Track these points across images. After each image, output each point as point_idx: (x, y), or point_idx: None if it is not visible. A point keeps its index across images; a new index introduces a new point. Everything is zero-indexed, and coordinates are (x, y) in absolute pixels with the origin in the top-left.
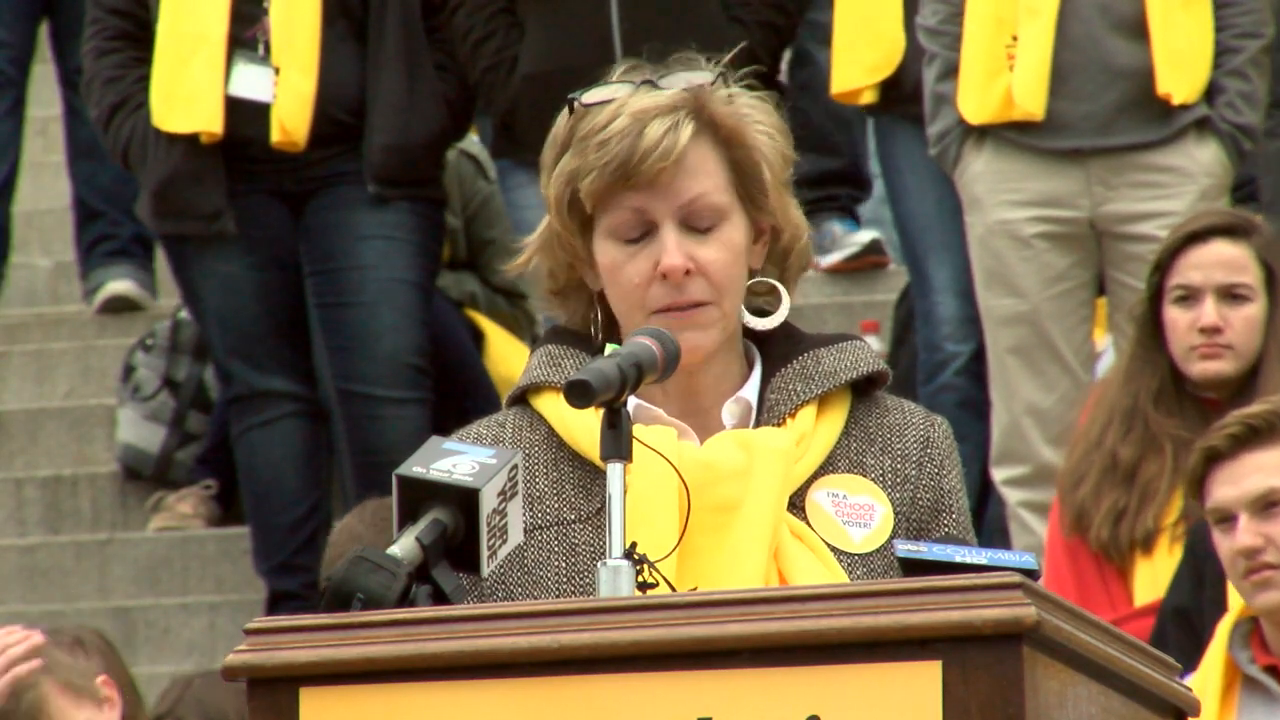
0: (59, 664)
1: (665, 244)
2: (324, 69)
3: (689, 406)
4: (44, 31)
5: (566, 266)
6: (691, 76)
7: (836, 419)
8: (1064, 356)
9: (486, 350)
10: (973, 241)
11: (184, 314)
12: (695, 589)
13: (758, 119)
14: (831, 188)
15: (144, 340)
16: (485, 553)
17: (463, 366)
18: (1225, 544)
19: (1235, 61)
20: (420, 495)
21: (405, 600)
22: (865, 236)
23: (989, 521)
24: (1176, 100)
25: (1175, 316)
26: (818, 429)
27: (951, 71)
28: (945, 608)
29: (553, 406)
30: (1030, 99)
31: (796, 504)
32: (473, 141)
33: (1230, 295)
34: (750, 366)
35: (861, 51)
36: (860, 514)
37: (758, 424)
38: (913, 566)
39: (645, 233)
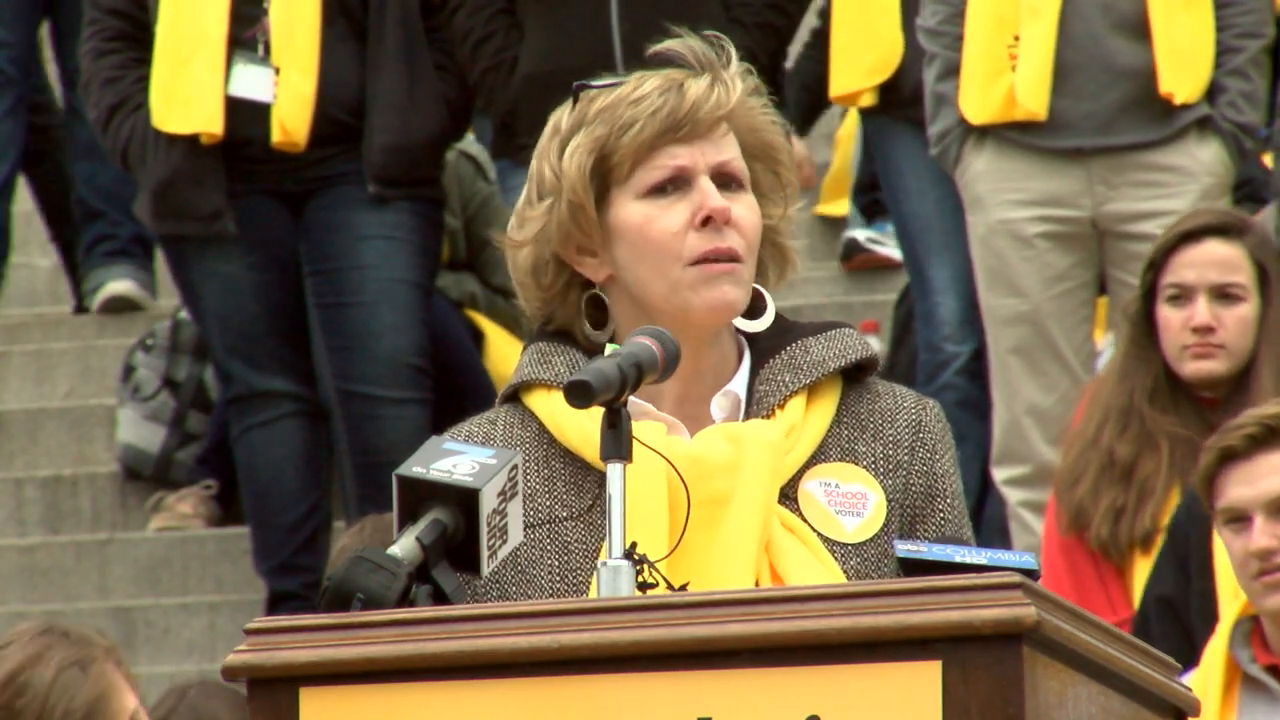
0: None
1: (706, 191)
2: (324, 69)
3: (682, 397)
4: (44, 31)
5: (561, 259)
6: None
7: (827, 407)
8: (1065, 356)
9: (486, 350)
10: (974, 241)
11: (184, 314)
12: (686, 584)
13: (763, 107)
14: None
15: (144, 340)
16: (485, 553)
17: (463, 367)
18: (1237, 544)
19: (1236, 61)
20: (420, 495)
21: (405, 600)
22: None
23: (989, 521)
24: (1178, 100)
25: (1168, 316)
26: (808, 418)
27: (952, 71)
28: (945, 608)
29: (543, 404)
30: (1033, 99)
31: (788, 495)
32: (472, 142)
33: (1223, 295)
34: (740, 358)
35: (860, 55)
36: (853, 503)
37: (747, 416)
38: (912, 566)
39: (678, 190)
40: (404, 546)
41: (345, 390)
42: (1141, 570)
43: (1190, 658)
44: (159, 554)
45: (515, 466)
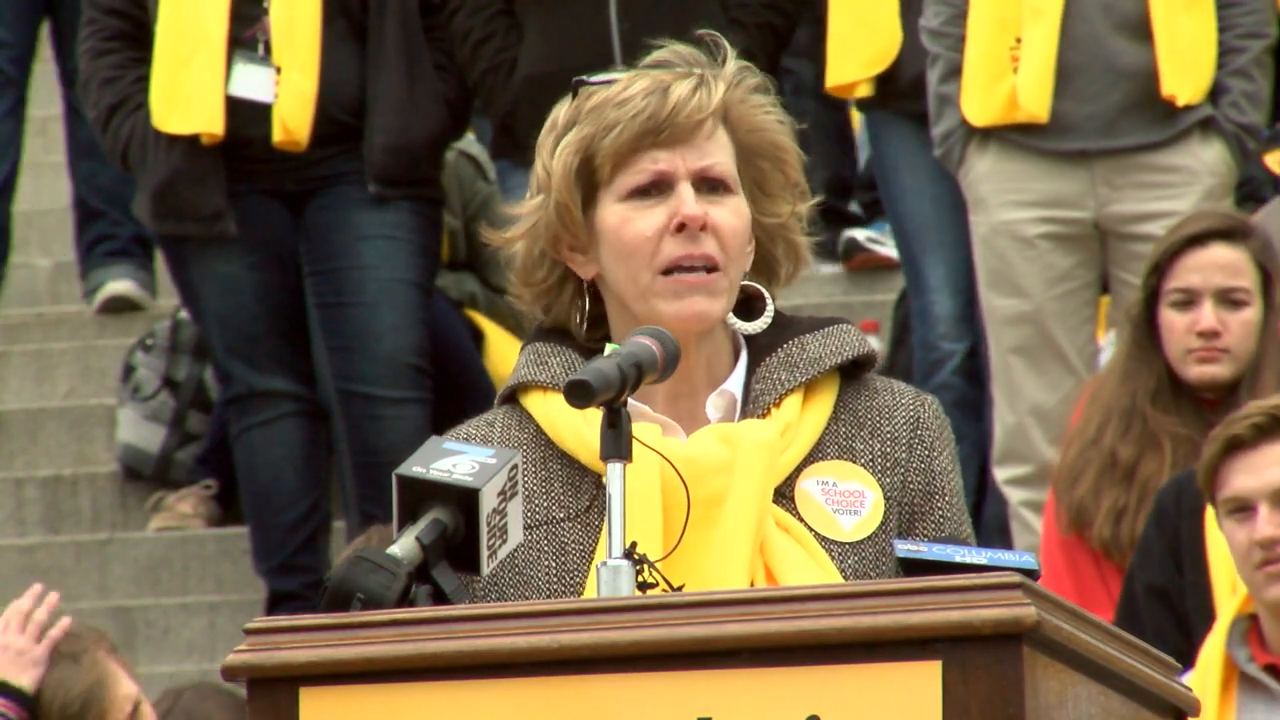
0: (99, 635)
1: (684, 197)
2: (324, 68)
3: (674, 394)
4: (45, 31)
5: (553, 256)
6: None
7: (824, 405)
8: (1067, 356)
9: (486, 350)
10: (976, 241)
11: (184, 314)
12: (682, 586)
13: (766, 106)
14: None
15: (144, 340)
16: (485, 553)
17: (463, 366)
18: (1240, 534)
19: (1239, 61)
20: (420, 495)
21: (405, 600)
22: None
23: (989, 521)
24: (1181, 102)
25: (1172, 319)
26: (805, 416)
27: (955, 72)
28: (945, 608)
29: (540, 405)
30: (1035, 101)
31: (786, 494)
32: (472, 142)
33: (1228, 299)
34: (737, 356)
35: (857, 45)
36: (850, 501)
37: (743, 415)
38: (912, 566)
39: (660, 194)
40: (404, 546)
41: (345, 390)
42: None
43: (1186, 650)
44: (159, 554)
45: (515, 466)
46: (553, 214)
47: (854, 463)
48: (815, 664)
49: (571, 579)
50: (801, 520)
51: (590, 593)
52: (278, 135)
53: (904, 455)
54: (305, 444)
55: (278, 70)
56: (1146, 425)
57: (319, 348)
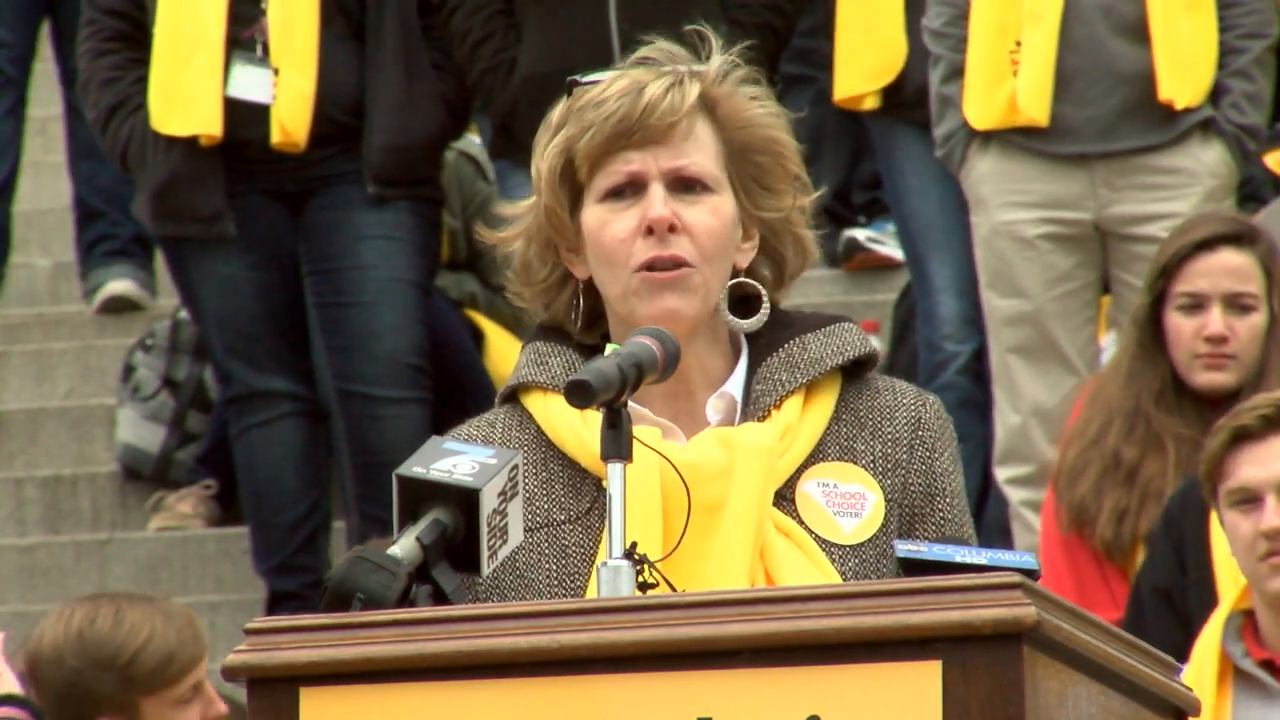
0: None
1: (652, 198)
2: (323, 69)
3: (676, 396)
4: (45, 31)
5: (550, 254)
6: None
7: (825, 405)
8: (1068, 357)
9: (486, 350)
10: (977, 242)
11: (184, 314)
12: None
13: (758, 100)
14: None
15: (144, 340)
16: (485, 553)
17: (463, 366)
18: (1245, 525)
19: (1240, 62)
20: (420, 495)
21: (405, 600)
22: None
23: (989, 521)
24: (1179, 106)
25: (1179, 323)
26: (805, 417)
27: (957, 73)
28: (945, 608)
29: (540, 406)
30: (1034, 105)
31: (786, 496)
32: (472, 142)
33: (1236, 304)
34: (737, 357)
35: (864, 58)
36: (851, 503)
37: (743, 418)
38: (913, 566)
39: (635, 195)
40: (404, 546)
41: (345, 390)
42: None
43: (1189, 649)
44: (159, 554)
45: (515, 466)
46: (543, 215)
47: (855, 464)
48: (816, 664)
49: (573, 582)
50: (802, 523)
51: (591, 596)
52: (276, 136)
53: (905, 456)
54: (305, 444)
55: (276, 71)
56: (1150, 427)
57: (318, 348)
